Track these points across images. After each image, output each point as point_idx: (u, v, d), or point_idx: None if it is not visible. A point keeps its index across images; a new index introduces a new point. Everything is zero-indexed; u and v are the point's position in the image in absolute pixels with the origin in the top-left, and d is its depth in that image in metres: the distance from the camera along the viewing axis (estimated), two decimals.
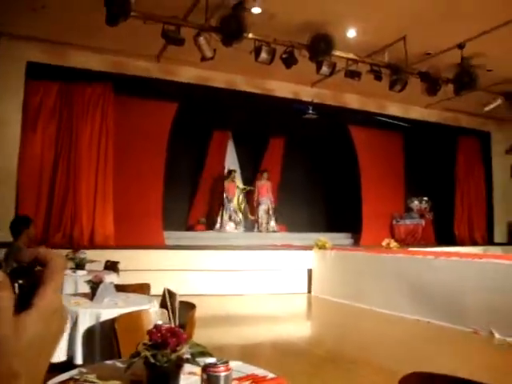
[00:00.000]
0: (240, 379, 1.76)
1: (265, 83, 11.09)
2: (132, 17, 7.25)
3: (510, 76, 10.24)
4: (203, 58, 8.28)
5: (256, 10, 7.92)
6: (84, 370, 1.90)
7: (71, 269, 5.50)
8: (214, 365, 1.53)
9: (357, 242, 13.13)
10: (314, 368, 4.69)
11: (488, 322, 5.91)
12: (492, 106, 11.24)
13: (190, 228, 13.11)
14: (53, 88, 9.70)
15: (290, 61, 8.71)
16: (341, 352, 5.50)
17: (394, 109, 12.76)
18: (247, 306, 8.30)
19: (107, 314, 3.17)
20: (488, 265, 6.39)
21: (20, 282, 0.50)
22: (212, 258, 9.19)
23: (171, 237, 11.09)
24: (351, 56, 9.29)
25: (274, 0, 7.62)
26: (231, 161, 13.84)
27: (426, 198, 14.04)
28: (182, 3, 7.67)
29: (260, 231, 13.09)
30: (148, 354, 1.66)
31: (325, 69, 9.01)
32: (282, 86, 11.26)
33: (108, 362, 2.10)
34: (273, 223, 13.28)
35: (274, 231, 13.18)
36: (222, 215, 12.95)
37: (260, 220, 13.19)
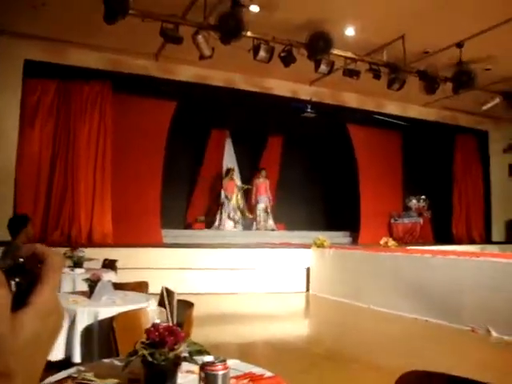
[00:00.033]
0: (237, 377, 1.76)
1: (263, 82, 11.08)
2: (130, 15, 7.24)
3: (508, 75, 10.26)
4: (202, 57, 8.28)
5: (254, 8, 7.92)
6: (82, 368, 1.90)
7: (69, 267, 5.50)
8: (211, 363, 1.54)
9: (355, 240, 13.16)
10: (312, 366, 4.69)
11: (485, 320, 5.92)
12: (490, 105, 11.25)
13: (188, 226, 13.11)
14: (51, 86, 9.68)
15: (288, 59, 8.70)
16: (339, 350, 5.51)
17: (393, 107, 12.77)
18: (245, 304, 8.30)
19: (105, 312, 3.16)
20: (485, 263, 6.40)
21: (17, 279, 0.50)
22: (210, 257, 9.19)
23: (169, 235, 11.09)
24: (350, 55, 9.29)
25: None
26: (229, 159, 13.83)
27: (423, 197, 14.06)
28: (180, 1, 7.66)
29: (258, 229, 13.09)
30: (146, 352, 1.66)
31: (323, 67, 9.01)
32: (280, 85, 11.25)
33: (106, 360, 2.10)
34: (271, 221, 13.29)
35: (273, 230, 13.18)
36: (221, 213, 12.94)
37: (258, 218, 13.19)
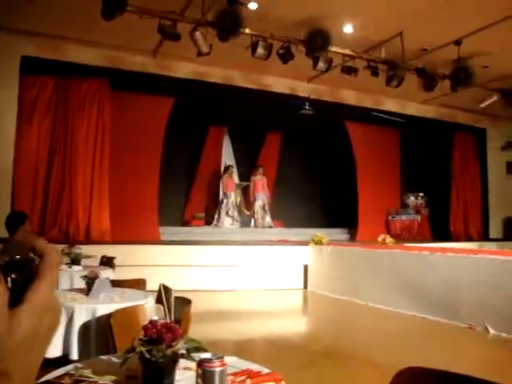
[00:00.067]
0: (235, 374, 1.77)
1: (261, 79, 11.08)
2: (128, 11, 7.23)
3: (506, 73, 10.26)
4: (199, 54, 8.27)
5: (252, 5, 7.91)
6: (79, 365, 1.90)
7: (67, 264, 5.49)
8: (209, 360, 1.53)
9: (353, 237, 13.17)
10: (310, 363, 4.70)
11: (483, 317, 5.93)
12: (488, 103, 11.27)
13: (185, 223, 13.11)
14: (48, 83, 9.66)
15: (286, 56, 8.70)
16: (337, 347, 5.52)
17: (391, 105, 12.78)
18: (243, 301, 8.31)
19: (103, 309, 3.16)
20: (483, 260, 6.41)
21: (13, 276, 0.49)
22: (208, 254, 9.19)
23: (167, 232, 11.09)
24: (348, 52, 9.29)
25: None
26: (227, 156, 13.82)
27: (421, 194, 14.08)
28: None
29: (256, 227, 13.09)
30: (143, 349, 1.66)
31: (321, 64, 9.01)
32: (278, 82, 11.25)
33: (103, 357, 2.09)
34: (268, 219, 13.28)
35: (270, 227, 13.18)
36: (220, 211, 12.94)
37: (256, 215, 13.19)
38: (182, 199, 13.46)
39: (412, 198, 14.09)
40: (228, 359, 1.66)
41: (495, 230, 14.46)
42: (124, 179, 10.37)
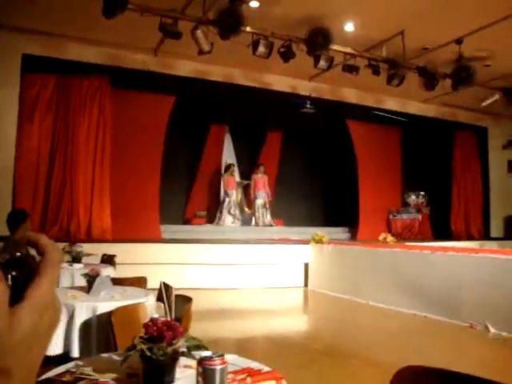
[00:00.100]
0: (235, 372, 1.77)
1: (262, 77, 11.07)
2: (129, 9, 7.23)
3: (507, 71, 10.25)
4: (201, 52, 8.27)
5: (254, 4, 7.91)
6: (80, 362, 1.90)
7: (68, 262, 5.50)
8: (209, 358, 1.54)
9: (354, 236, 13.17)
10: (311, 362, 4.70)
11: (484, 316, 5.93)
12: (489, 102, 11.26)
13: (186, 221, 13.12)
14: (49, 81, 9.66)
15: (287, 55, 8.69)
16: (337, 346, 5.52)
17: (392, 103, 12.76)
18: (244, 299, 8.31)
19: (104, 307, 3.16)
20: (484, 259, 6.40)
21: (13, 273, 0.49)
22: (209, 252, 9.19)
23: (168, 230, 11.10)
24: (349, 50, 9.28)
25: None
26: (228, 155, 13.82)
27: (422, 193, 14.07)
28: None
29: (257, 225, 13.09)
30: (144, 347, 1.66)
31: (322, 63, 9.01)
32: (279, 80, 11.24)
33: (104, 354, 2.10)
34: (269, 217, 13.28)
35: (271, 225, 13.18)
36: (222, 209, 12.94)
37: (257, 214, 13.19)
38: (183, 197, 13.47)
39: (413, 197, 14.08)
40: (228, 357, 1.66)
41: (496, 228, 14.44)
42: (125, 177, 10.38)
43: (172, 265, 8.39)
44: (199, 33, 7.92)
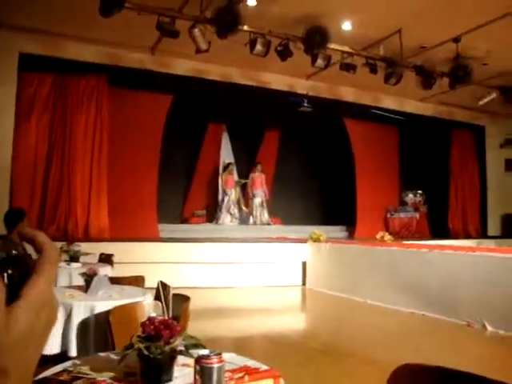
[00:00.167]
0: (233, 371, 1.77)
1: (260, 76, 11.06)
2: (126, 8, 7.22)
3: (504, 70, 10.26)
4: (198, 51, 8.26)
5: (251, 2, 7.90)
6: (78, 361, 1.90)
7: (65, 261, 5.49)
8: (207, 356, 1.54)
9: (351, 234, 13.17)
10: (309, 360, 4.70)
11: (481, 314, 5.94)
12: (486, 100, 11.27)
13: (184, 220, 13.11)
14: (47, 79, 9.64)
15: (285, 53, 8.70)
16: (335, 344, 5.52)
17: (389, 102, 12.77)
18: (241, 298, 8.31)
19: (101, 306, 3.16)
20: (482, 258, 6.41)
21: (9, 271, 0.49)
22: (207, 251, 9.19)
23: (166, 229, 11.09)
24: (346, 49, 9.29)
25: None
26: (226, 153, 13.81)
27: (420, 192, 14.09)
28: None
29: (255, 224, 13.09)
30: (141, 345, 1.66)
31: (320, 61, 9.01)
32: (277, 79, 11.24)
33: (102, 353, 2.10)
34: (266, 216, 13.28)
35: (268, 224, 13.18)
36: (221, 208, 12.94)
37: (254, 212, 13.19)
38: (181, 196, 13.46)
39: (410, 196, 14.10)
40: (226, 356, 1.66)
41: (493, 227, 14.47)
42: (122, 176, 10.37)
43: (170, 264, 8.39)
44: (197, 31, 7.91)
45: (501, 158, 14.53)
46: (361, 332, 6.04)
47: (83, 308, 3.19)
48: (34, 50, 9.05)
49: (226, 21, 7.51)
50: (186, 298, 3.10)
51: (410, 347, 5.11)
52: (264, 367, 1.85)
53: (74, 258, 5.63)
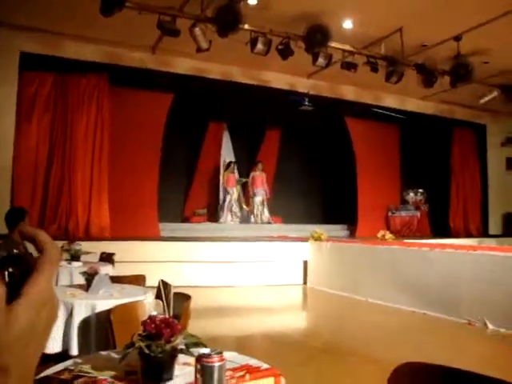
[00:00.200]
0: (234, 370, 1.77)
1: (261, 74, 11.06)
2: (127, 7, 7.22)
3: (506, 68, 10.25)
4: (199, 49, 8.26)
5: (252, 1, 7.90)
6: (79, 360, 1.90)
7: (66, 260, 5.50)
8: (208, 355, 1.53)
9: (352, 233, 13.18)
10: (310, 359, 4.70)
11: (482, 313, 5.94)
12: (488, 99, 11.26)
13: (185, 219, 13.11)
14: (47, 79, 9.64)
15: (286, 52, 8.69)
16: (336, 343, 5.52)
17: (390, 100, 12.76)
18: (242, 297, 8.31)
19: (102, 305, 3.16)
20: (483, 256, 6.41)
21: (10, 270, 0.49)
22: (207, 250, 9.19)
23: (166, 228, 11.09)
24: (347, 47, 9.28)
25: None
26: (227, 152, 13.80)
27: (421, 190, 14.09)
28: None
29: (256, 223, 13.09)
30: (142, 344, 1.66)
31: (321, 60, 9.00)
32: (278, 78, 11.23)
33: (103, 352, 2.10)
34: (267, 214, 13.28)
35: (269, 222, 13.19)
36: (223, 207, 12.95)
37: (255, 211, 13.20)
38: (182, 195, 13.47)
39: (411, 194, 14.10)
40: (227, 354, 1.66)
41: (495, 226, 14.47)
42: (123, 175, 10.37)
43: (170, 263, 8.39)
44: (197, 30, 7.90)
45: (502, 156, 14.52)
46: (362, 331, 6.04)
47: (84, 307, 3.20)
48: (35, 49, 9.04)
49: (227, 19, 7.50)
50: (186, 297, 3.10)
51: (411, 346, 5.11)
52: (265, 366, 1.85)
53: (75, 256, 5.63)
